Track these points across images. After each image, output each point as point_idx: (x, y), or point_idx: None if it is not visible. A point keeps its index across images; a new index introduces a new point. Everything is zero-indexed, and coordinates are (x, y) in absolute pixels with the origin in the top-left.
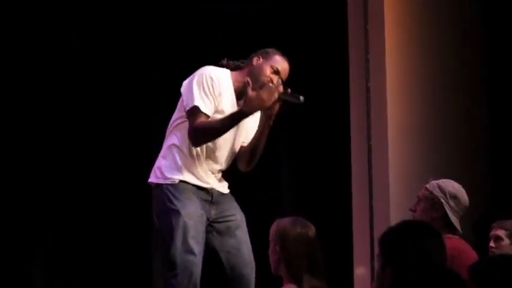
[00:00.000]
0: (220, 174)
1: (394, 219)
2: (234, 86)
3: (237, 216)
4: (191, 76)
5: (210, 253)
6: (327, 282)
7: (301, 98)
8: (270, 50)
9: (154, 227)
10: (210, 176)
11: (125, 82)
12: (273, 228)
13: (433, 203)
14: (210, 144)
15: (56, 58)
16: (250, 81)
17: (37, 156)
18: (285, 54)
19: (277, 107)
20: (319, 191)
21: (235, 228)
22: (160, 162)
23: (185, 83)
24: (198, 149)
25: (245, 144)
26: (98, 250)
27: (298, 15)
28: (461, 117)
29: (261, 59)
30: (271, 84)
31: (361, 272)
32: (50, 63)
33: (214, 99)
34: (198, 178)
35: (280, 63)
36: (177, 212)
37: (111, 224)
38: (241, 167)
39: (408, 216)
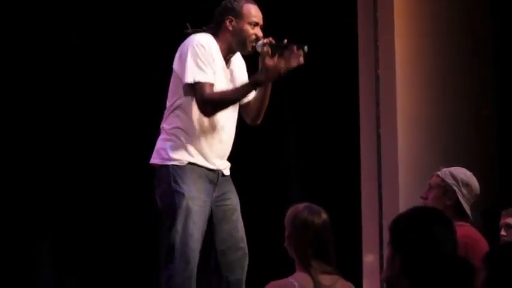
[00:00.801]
0: (226, 152)
1: (403, 207)
2: (223, 51)
3: (233, 200)
4: (180, 50)
5: (204, 235)
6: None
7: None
8: (234, 4)
9: (158, 207)
10: (217, 155)
11: (125, 82)
12: (287, 214)
13: (445, 190)
14: (214, 118)
15: (56, 58)
16: (269, 51)
17: (41, 156)
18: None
19: (276, 59)
20: (328, 179)
21: (232, 213)
22: (165, 143)
23: (177, 58)
24: (205, 126)
25: (248, 100)
26: (103, 249)
27: (306, 5)
28: (470, 106)
29: (234, 20)
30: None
31: (370, 259)
32: (50, 63)
33: (211, 67)
34: (206, 159)
35: (254, 13)
36: (182, 195)
37: (114, 222)
38: (250, 122)
39: (417, 203)
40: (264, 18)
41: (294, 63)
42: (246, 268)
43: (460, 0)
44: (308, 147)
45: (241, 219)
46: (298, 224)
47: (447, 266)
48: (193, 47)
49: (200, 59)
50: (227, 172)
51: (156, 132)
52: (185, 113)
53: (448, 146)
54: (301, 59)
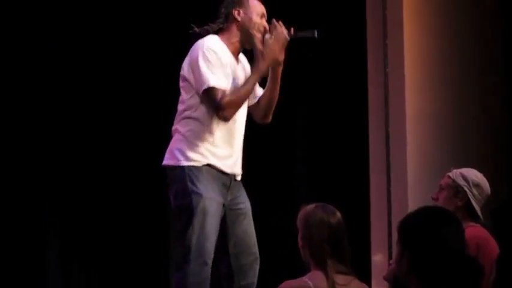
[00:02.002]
0: (239, 154)
1: (412, 205)
2: (229, 48)
3: (246, 205)
4: (190, 55)
5: (217, 239)
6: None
7: (315, 32)
8: None
9: (172, 207)
10: (231, 157)
11: (129, 82)
12: (299, 215)
13: (456, 191)
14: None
15: (66, 58)
16: (255, 35)
17: (52, 152)
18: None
19: (283, 53)
20: (337, 177)
21: (244, 217)
22: (180, 145)
23: (187, 63)
24: (219, 129)
25: (256, 99)
26: (111, 242)
27: (315, 2)
28: (480, 103)
29: (241, 11)
30: (274, 32)
31: (378, 258)
32: (62, 64)
33: (223, 70)
34: (221, 161)
35: (260, 4)
36: (199, 196)
37: (123, 218)
38: (259, 119)
39: (426, 202)
40: (272, 15)
41: (282, 38)
42: (257, 272)
43: None
44: (317, 145)
45: (252, 224)
46: (314, 222)
47: (456, 265)
48: (203, 52)
49: (211, 64)
50: (239, 178)
51: (164, 132)
52: (198, 116)
53: (457, 144)
54: (285, 32)
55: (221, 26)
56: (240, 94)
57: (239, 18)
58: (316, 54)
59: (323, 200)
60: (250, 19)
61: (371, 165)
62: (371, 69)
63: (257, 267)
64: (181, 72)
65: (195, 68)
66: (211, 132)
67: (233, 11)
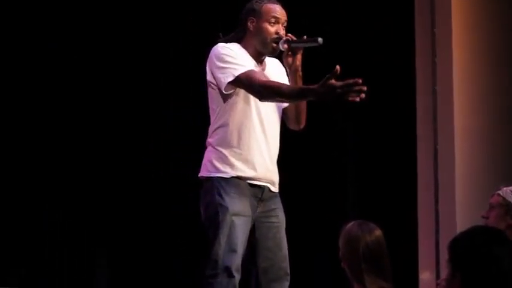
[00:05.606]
0: (272, 162)
1: (460, 224)
2: (250, 54)
3: (279, 218)
4: (208, 60)
5: (247, 252)
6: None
7: (319, 39)
8: (255, 5)
9: (202, 219)
10: (263, 165)
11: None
12: (340, 235)
13: (507, 209)
14: (258, 126)
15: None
16: (338, 69)
17: (99, 171)
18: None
19: (300, 57)
20: (385, 195)
21: (277, 230)
22: (210, 156)
23: (207, 69)
24: (250, 137)
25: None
26: (159, 262)
27: (364, 23)
28: None
29: (255, 21)
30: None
31: (426, 277)
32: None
33: (244, 57)
34: (252, 170)
35: (273, 9)
36: (226, 209)
37: (172, 236)
38: (293, 126)
39: (474, 220)
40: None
41: (348, 97)
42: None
43: None
44: (365, 163)
45: (285, 239)
46: (349, 239)
47: (508, 286)
48: (218, 50)
49: (229, 56)
50: (274, 189)
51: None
52: (226, 123)
53: (506, 162)
54: (357, 97)
55: (239, 35)
56: (282, 88)
57: (251, 28)
58: (364, 71)
59: (370, 217)
60: (261, 28)
61: (419, 183)
62: (419, 86)
63: (287, 283)
64: (207, 78)
65: (213, 67)
66: (239, 138)
67: (248, 21)
